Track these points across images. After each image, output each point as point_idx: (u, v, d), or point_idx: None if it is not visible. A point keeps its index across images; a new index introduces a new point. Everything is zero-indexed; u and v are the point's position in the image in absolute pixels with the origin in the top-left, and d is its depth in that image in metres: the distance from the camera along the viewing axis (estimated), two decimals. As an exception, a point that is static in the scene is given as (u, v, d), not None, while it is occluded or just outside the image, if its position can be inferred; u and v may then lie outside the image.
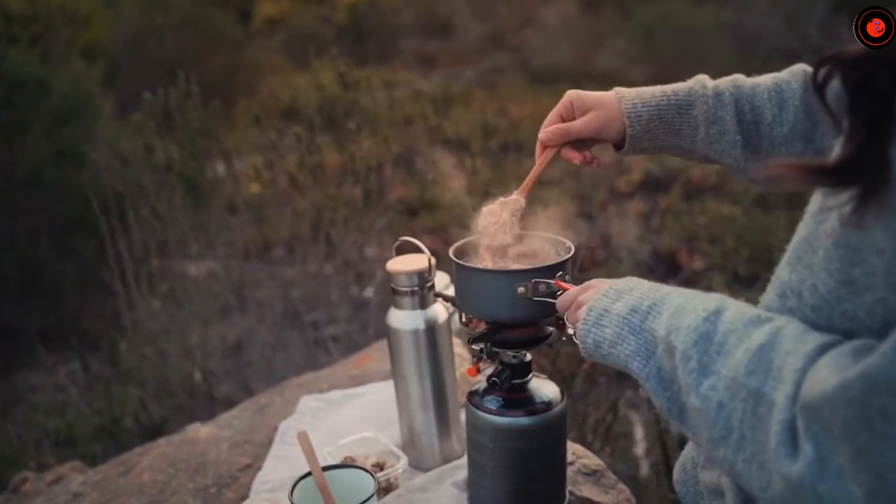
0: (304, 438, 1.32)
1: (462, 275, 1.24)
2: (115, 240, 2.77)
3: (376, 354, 2.03)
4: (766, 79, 1.25)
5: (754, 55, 8.16)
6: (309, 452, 1.30)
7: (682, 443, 1.68)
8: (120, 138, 3.14)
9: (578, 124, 1.25)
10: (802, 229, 0.87)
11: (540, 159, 1.28)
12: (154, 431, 2.76)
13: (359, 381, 1.87)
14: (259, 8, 12.49)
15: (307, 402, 1.76)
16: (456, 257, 1.26)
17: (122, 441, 2.78)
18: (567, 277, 1.19)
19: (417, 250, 1.41)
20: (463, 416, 1.53)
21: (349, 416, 1.68)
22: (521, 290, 1.17)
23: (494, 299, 1.20)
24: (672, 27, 8.33)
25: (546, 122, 1.26)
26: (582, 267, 2.58)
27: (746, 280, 4.13)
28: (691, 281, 3.85)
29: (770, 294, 0.92)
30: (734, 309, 0.89)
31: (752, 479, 0.82)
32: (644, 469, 2.69)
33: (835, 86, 1.21)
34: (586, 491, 1.45)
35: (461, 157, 4.19)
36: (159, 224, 2.84)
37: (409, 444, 1.49)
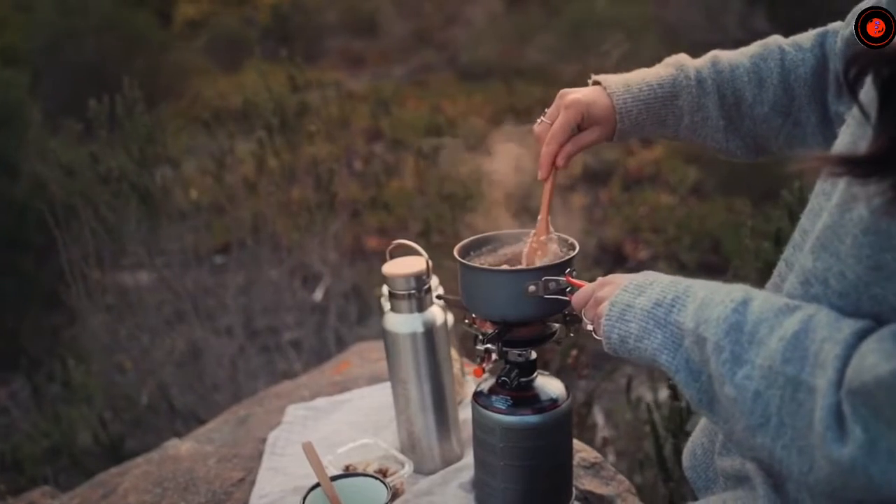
0: (309, 449, 1.30)
1: (469, 275, 1.23)
2: (68, 251, 2.67)
3: (355, 359, 2.00)
4: (742, 58, 1.27)
5: (676, 48, 8.34)
6: (316, 463, 1.28)
7: (675, 432, 1.71)
8: (61, 147, 3.02)
9: (591, 138, 1.24)
10: (826, 218, 0.89)
11: (548, 185, 1.25)
12: (113, 449, 2.67)
13: (342, 387, 1.84)
14: (179, 10, 12.16)
15: (294, 412, 1.73)
16: (460, 257, 1.25)
17: (80, 461, 2.68)
18: (574, 274, 1.20)
19: (415, 253, 1.40)
20: (461, 417, 1.53)
21: (340, 423, 1.66)
22: (531, 288, 1.17)
23: (504, 299, 1.20)
24: (597, 22, 8.45)
25: (555, 136, 1.21)
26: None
27: (690, 268, 4.24)
28: (639, 271, 3.92)
29: (792, 282, 0.95)
30: (761, 298, 0.91)
31: (793, 464, 0.84)
32: (611, 457, 2.73)
33: (803, 72, 1.26)
34: (588, 484, 1.47)
35: (405, 155, 4.18)
36: (109, 235, 2.75)
37: (409, 449, 1.48)
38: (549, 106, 1.26)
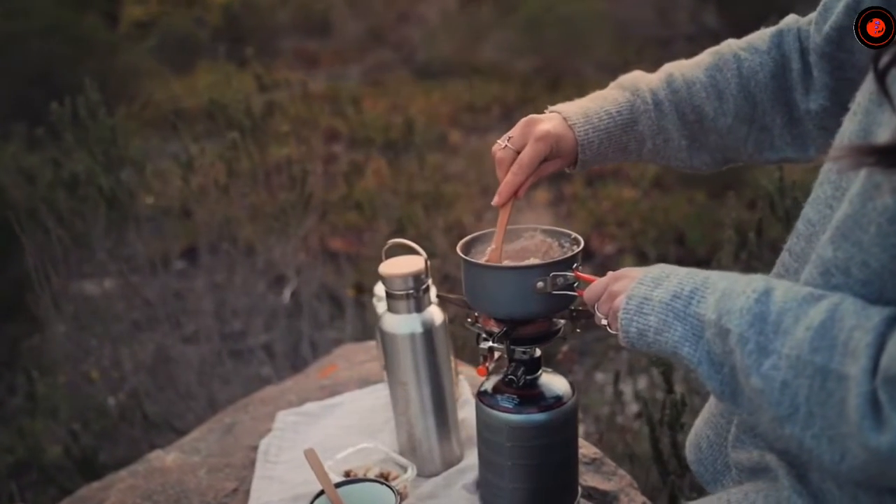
0: (312, 456, 1.26)
1: (474, 273, 1.21)
2: (32, 257, 2.58)
3: (342, 362, 1.96)
4: (697, 72, 1.24)
5: (629, 43, 8.44)
6: (319, 470, 1.24)
7: (671, 424, 1.71)
8: (19, 152, 2.92)
9: (553, 168, 1.22)
10: (846, 208, 0.89)
11: (504, 213, 1.22)
12: (86, 463, 2.59)
13: (331, 391, 1.80)
14: (125, 11, 11.91)
15: (285, 418, 1.68)
16: (463, 254, 1.23)
17: (51, 476, 2.59)
18: (580, 269, 1.18)
19: (410, 252, 1.37)
20: (461, 417, 1.51)
21: (333, 427, 1.62)
22: (539, 284, 1.15)
23: (511, 296, 1.18)
24: (553, 18, 8.49)
25: (523, 167, 1.17)
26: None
27: (657, 261, 4.26)
28: (606, 266, 3.95)
29: (811, 273, 0.94)
30: (783, 288, 0.91)
31: (824, 454, 0.84)
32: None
33: (762, 77, 1.24)
34: (590, 480, 1.46)
35: (369, 155, 4.14)
36: (74, 241, 2.67)
37: (409, 451, 1.45)
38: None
